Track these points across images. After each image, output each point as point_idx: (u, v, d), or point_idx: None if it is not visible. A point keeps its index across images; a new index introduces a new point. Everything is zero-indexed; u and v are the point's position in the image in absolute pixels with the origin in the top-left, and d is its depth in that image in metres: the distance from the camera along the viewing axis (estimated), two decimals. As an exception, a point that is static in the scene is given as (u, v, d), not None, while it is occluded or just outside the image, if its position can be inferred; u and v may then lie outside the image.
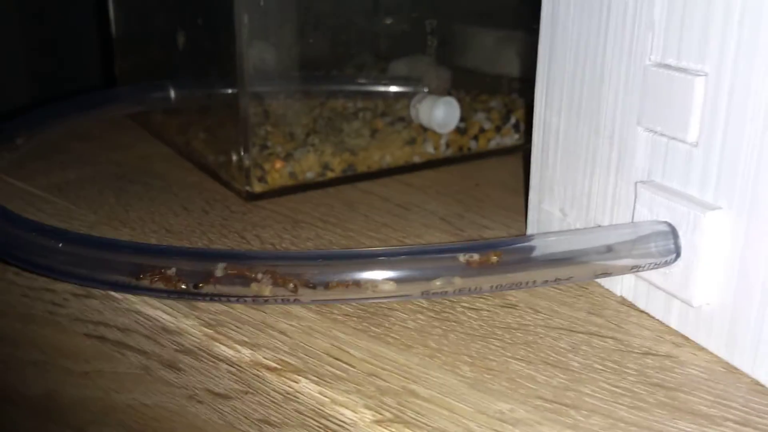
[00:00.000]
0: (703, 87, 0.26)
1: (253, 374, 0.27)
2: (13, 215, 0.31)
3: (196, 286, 0.26)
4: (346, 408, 0.24)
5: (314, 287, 0.26)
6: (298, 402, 0.26)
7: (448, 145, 0.46)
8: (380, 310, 0.30)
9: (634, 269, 0.28)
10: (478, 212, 0.40)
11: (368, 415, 0.24)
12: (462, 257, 0.26)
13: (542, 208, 0.34)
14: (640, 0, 0.27)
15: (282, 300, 0.27)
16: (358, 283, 0.26)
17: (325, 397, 0.25)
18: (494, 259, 0.26)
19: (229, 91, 0.41)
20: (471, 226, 0.38)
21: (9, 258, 0.30)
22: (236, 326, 0.29)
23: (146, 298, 0.30)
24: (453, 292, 0.27)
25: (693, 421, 0.24)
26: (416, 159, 0.46)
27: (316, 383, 0.25)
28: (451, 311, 0.30)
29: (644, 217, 0.28)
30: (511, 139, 0.48)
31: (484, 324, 0.29)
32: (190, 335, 0.29)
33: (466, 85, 0.49)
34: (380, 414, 0.24)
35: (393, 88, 0.47)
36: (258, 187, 0.41)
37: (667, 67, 0.27)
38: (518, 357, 0.27)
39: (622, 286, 0.31)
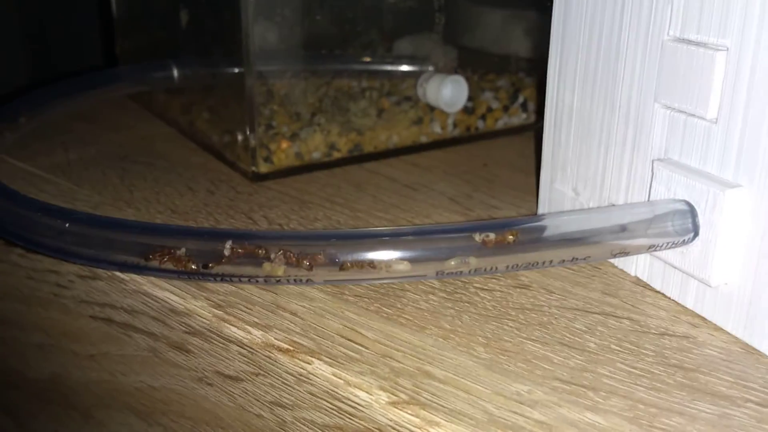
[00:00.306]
0: (724, 62, 0.25)
1: (265, 356, 0.26)
2: (18, 195, 0.31)
3: (206, 266, 0.26)
4: (361, 389, 0.24)
5: (328, 267, 0.25)
6: (311, 384, 0.25)
7: (455, 125, 0.46)
8: (392, 290, 0.29)
9: (652, 248, 0.27)
10: (487, 192, 0.40)
11: (383, 397, 0.24)
12: (478, 236, 0.25)
13: (554, 187, 0.34)
14: (659, -27, 0.27)
15: (295, 280, 0.26)
16: (372, 263, 0.25)
17: (339, 378, 0.24)
18: (510, 238, 0.25)
19: (235, 70, 0.41)
20: (480, 206, 0.38)
21: (15, 238, 0.30)
22: (247, 307, 0.28)
23: (154, 279, 0.30)
24: (468, 272, 0.26)
25: (713, 402, 0.23)
26: (423, 139, 0.45)
27: (330, 365, 0.25)
28: (464, 292, 0.29)
29: (661, 195, 0.28)
30: (519, 118, 0.48)
31: (497, 305, 0.29)
32: (200, 317, 0.28)
33: (473, 64, 0.48)
34: (396, 396, 0.23)
35: (404, 67, 0.46)
36: (264, 168, 0.40)
37: (687, 41, 0.26)
38: (533, 338, 0.27)
39: (636, 266, 0.30)
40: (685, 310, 0.28)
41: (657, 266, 0.29)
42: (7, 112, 0.43)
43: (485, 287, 0.30)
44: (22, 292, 0.37)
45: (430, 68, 0.46)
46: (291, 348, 0.26)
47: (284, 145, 0.41)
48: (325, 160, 0.42)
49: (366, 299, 0.29)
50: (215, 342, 0.28)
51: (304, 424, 0.26)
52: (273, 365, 0.26)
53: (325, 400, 0.25)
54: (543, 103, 0.34)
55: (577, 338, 0.27)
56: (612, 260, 0.31)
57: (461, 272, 0.26)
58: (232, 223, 0.35)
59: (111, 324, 0.33)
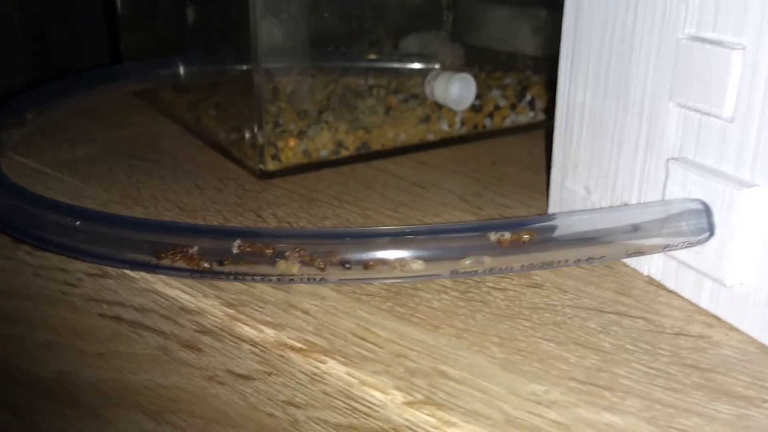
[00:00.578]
0: (741, 61, 0.25)
1: (278, 355, 0.26)
2: (28, 193, 0.30)
3: (220, 264, 0.26)
4: (376, 389, 0.24)
5: (343, 266, 0.25)
6: (325, 383, 0.25)
7: (462, 123, 0.46)
8: (403, 289, 0.29)
9: (667, 248, 0.27)
10: (496, 191, 0.39)
11: (399, 397, 0.23)
12: (493, 236, 0.25)
13: (565, 186, 0.34)
14: (675, -29, 0.27)
15: (308, 279, 0.26)
16: (386, 262, 0.25)
17: (354, 378, 0.24)
18: (526, 237, 0.25)
19: (243, 67, 0.40)
20: (490, 204, 0.38)
21: (24, 236, 0.30)
22: (258, 306, 0.28)
23: (164, 278, 0.30)
24: (482, 272, 0.26)
25: (731, 403, 0.23)
26: (430, 137, 0.45)
27: (344, 364, 0.25)
28: (476, 291, 0.29)
29: (676, 194, 0.28)
30: (526, 116, 0.48)
31: (510, 304, 0.29)
32: (211, 315, 0.28)
33: (480, 62, 0.48)
34: (411, 395, 0.23)
35: (414, 65, 0.46)
36: (271, 165, 0.40)
37: (702, 40, 0.26)
38: (548, 338, 0.26)
39: (649, 265, 0.30)
40: (699, 310, 0.28)
41: (670, 266, 0.29)
42: (13, 109, 0.42)
43: (498, 286, 0.30)
44: (29, 290, 0.37)
45: (437, 66, 0.46)
46: (304, 347, 0.26)
47: (292, 142, 0.41)
48: (332, 158, 0.42)
49: (378, 298, 0.29)
50: (227, 341, 0.28)
51: (317, 424, 0.26)
52: (286, 364, 0.26)
53: (339, 399, 0.25)
54: (553, 101, 0.34)
55: (591, 338, 0.26)
56: (624, 260, 0.31)
57: (476, 272, 0.26)
58: (241, 221, 0.35)
59: (120, 322, 0.33)
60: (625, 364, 0.25)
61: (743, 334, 0.27)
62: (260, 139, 0.40)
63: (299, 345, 0.26)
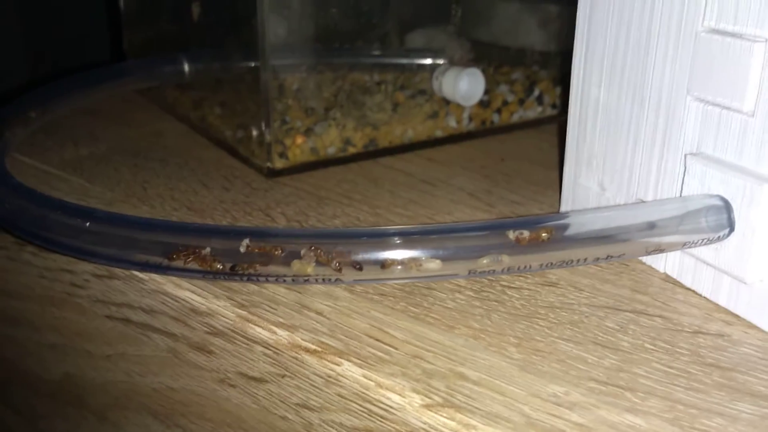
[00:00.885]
0: (762, 54, 0.24)
1: (291, 357, 0.26)
2: (36, 193, 0.30)
3: (234, 265, 0.25)
4: (393, 392, 0.23)
5: (359, 267, 0.25)
6: (340, 386, 0.25)
7: (470, 119, 0.45)
8: (417, 289, 0.29)
9: (686, 245, 0.27)
10: (507, 187, 0.39)
11: (417, 400, 0.23)
12: (511, 234, 0.25)
13: (579, 183, 0.33)
14: (693, -37, 0.26)
15: (323, 280, 0.26)
16: (403, 262, 0.25)
17: (370, 380, 0.24)
18: (544, 236, 0.25)
19: (249, 64, 0.40)
20: (501, 201, 0.37)
21: (32, 238, 0.29)
22: (271, 307, 0.27)
23: (174, 279, 0.29)
24: (500, 271, 0.26)
25: (754, 403, 0.23)
26: (438, 133, 0.44)
27: (360, 366, 0.24)
28: (491, 290, 0.29)
29: (695, 190, 0.27)
30: (534, 112, 0.47)
31: (526, 303, 0.28)
32: (222, 317, 0.28)
33: (487, 57, 0.47)
34: (429, 398, 0.23)
35: (419, 60, 0.45)
36: (279, 163, 0.40)
37: (722, 33, 0.26)
38: (565, 337, 0.26)
39: (666, 262, 0.30)
40: (718, 308, 0.28)
41: (688, 263, 0.29)
42: (17, 107, 0.42)
43: (513, 285, 0.29)
44: (34, 291, 0.37)
45: (443, 61, 0.46)
46: (319, 349, 0.25)
47: (299, 140, 0.40)
48: (340, 156, 0.41)
49: (392, 298, 0.28)
50: (238, 342, 0.27)
51: (332, 427, 0.26)
52: (300, 366, 0.26)
53: (354, 402, 0.24)
54: (564, 96, 0.33)
55: (609, 337, 0.26)
56: (640, 257, 0.31)
57: (493, 271, 0.26)
58: (249, 220, 0.35)
59: (128, 324, 0.32)
60: (644, 364, 0.25)
61: (763, 332, 0.26)
62: (267, 137, 0.39)
63: (313, 347, 0.25)
